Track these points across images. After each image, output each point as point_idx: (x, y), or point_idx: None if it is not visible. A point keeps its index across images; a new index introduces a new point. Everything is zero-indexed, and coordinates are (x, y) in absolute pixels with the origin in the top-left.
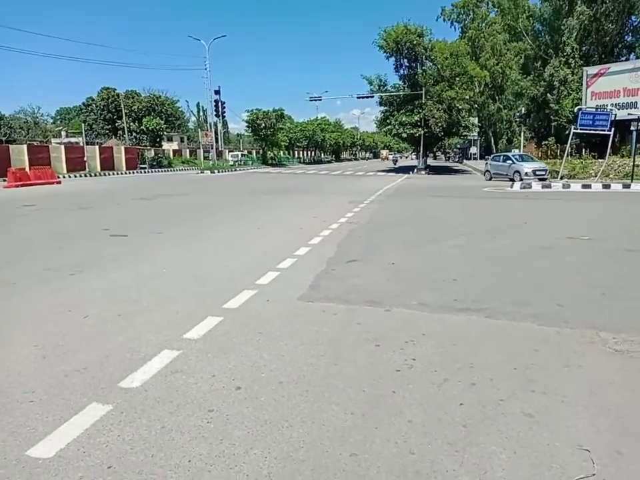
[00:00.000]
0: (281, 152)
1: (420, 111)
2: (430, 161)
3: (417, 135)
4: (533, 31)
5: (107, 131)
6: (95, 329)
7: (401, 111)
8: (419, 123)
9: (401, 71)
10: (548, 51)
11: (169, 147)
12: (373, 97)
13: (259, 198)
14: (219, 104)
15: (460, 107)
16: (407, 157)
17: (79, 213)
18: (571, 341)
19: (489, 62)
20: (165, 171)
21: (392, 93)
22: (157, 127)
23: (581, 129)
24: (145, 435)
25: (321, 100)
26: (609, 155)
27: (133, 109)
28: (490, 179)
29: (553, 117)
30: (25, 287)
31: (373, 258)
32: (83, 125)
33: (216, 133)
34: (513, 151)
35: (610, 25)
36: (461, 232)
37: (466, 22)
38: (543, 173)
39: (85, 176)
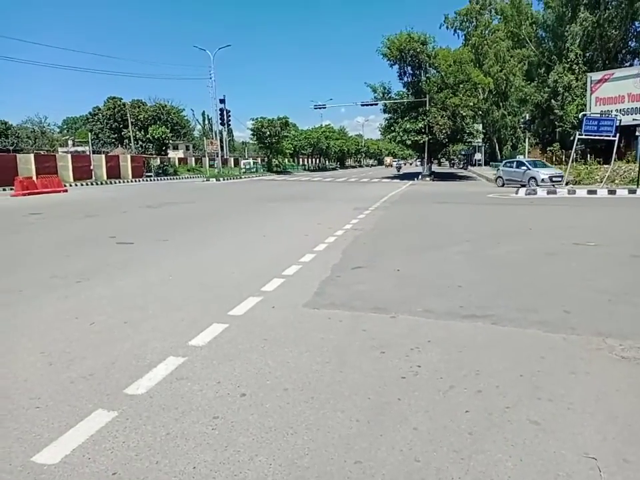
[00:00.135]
0: (286, 159)
1: (424, 117)
2: (434, 168)
3: (421, 141)
4: (537, 37)
5: (113, 140)
6: (101, 335)
7: (405, 118)
8: (423, 130)
9: (405, 79)
10: (551, 57)
11: (174, 155)
12: (377, 104)
13: (264, 205)
14: (224, 112)
15: (464, 114)
16: (411, 164)
17: (86, 221)
18: (577, 348)
19: (493, 69)
20: (170, 179)
21: (396, 101)
22: (163, 136)
23: (585, 135)
24: (150, 442)
25: (325, 108)
26: (614, 160)
27: (139, 118)
28: (502, 186)
29: (557, 123)
30: (31, 294)
31: (378, 264)
32: (89, 134)
33: (221, 141)
34: (517, 157)
35: (613, 30)
36: (466, 238)
37: (469, 29)
38: (560, 179)
39: (92, 184)
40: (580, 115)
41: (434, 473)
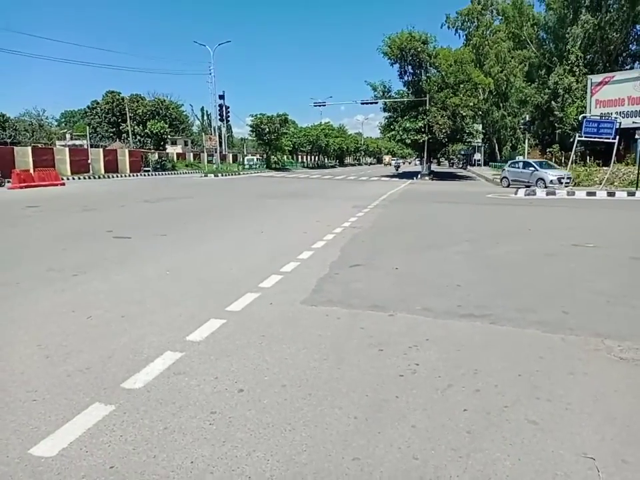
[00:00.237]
0: (285, 156)
1: (424, 117)
2: (434, 167)
3: (421, 141)
4: (538, 39)
5: (111, 134)
6: (98, 329)
7: (405, 117)
8: (422, 129)
9: (405, 78)
10: (552, 59)
11: (172, 150)
12: (377, 102)
13: (263, 202)
14: (223, 108)
15: (464, 114)
16: (410, 163)
17: (83, 214)
18: (575, 348)
19: (493, 69)
20: (168, 174)
21: (396, 99)
22: (161, 131)
23: (585, 137)
24: (148, 436)
25: (325, 105)
26: (614, 162)
27: (137, 112)
28: (508, 186)
29: (557, 125)
30: (28, 287)
31: (377, 263)
32: (87, 127)
33: (220, 137)
34: (517, 157)
35: (614, 33)
36: (465, 238)
37: (470, 29)
38: (568, 180)
39: (89, 178)
40: (580, 117)
41: (432, 471)
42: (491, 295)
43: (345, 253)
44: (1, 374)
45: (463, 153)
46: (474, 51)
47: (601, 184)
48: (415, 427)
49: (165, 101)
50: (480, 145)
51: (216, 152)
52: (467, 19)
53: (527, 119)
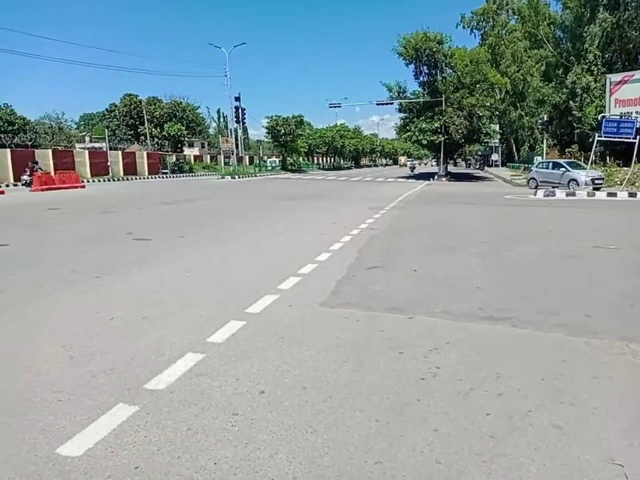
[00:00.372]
0: (301, 158)
1: (440, 117)
2: (450, 168)
3: (437, 141)
4: (554, 38)
5: (130, 137)
6: (121, 330)
7: (421, 118)
8: (439, 130)
9: (421, 78)
10: (570, 58)
11: (190, 152)
12: (392, 103)
13: (280, 203)
14: (239, 110)
15: (480, 114)
16: (426, 164)
17: (103, 216)
18: (600, 352)
19: (510, 69)
20: (186, 176)
21: (412, 100)
22: (178, 133)
23: (605, 137)
24: (171, 437)
25: (340, 107)
26: (635, 162)
27: (154, 115)
28: (536, 187)
29: (575, 125)
30: (51, 288)
31: (394, 264)
32: (106, 130)
33: (236, 139)
34: (535, 158)
35: (633, 32)
36: (483, 239)
37: (486, 29)
38: (601, 181)
39: (108, 180)
40: (599, 117)
41: (455, 475)
42: (511, 297)
43: (362, 255)
44: (27, 374)
45: (480, 153)
46: (490, 50)
47: (621, 184)
48: (437, 430)
49: (181, 103)
50: (497, 145)
51: (232, 154)
52: (482, 19)
53: (545, 118)
